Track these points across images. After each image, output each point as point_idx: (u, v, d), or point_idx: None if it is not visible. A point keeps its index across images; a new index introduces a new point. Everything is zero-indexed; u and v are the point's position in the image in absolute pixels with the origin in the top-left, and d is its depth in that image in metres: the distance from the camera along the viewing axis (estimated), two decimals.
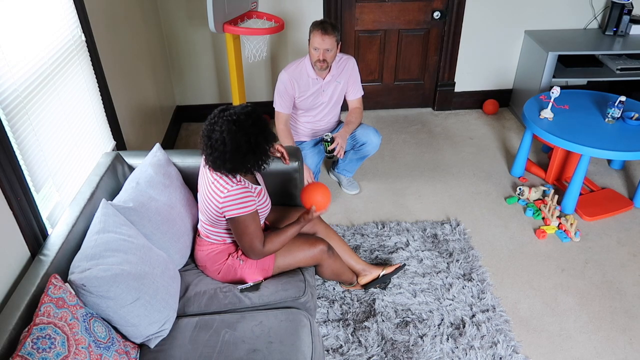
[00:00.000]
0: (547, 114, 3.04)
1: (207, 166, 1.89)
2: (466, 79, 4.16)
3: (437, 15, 3.84)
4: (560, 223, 2.93)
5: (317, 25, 2.67)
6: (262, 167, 1.92)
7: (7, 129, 1.59)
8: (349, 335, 2.28)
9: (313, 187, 2.06)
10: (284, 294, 1.98)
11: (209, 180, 1.93)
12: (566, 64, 3.79)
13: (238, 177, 1.90)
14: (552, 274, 2.64)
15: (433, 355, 2.19)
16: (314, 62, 2.75)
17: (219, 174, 1.89)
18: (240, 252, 2.06)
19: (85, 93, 2.22)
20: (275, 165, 2.31)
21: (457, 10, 3.79)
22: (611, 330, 2.34)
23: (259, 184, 2.04)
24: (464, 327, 2.32)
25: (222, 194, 1.87)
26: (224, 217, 1.93)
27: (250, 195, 1.90)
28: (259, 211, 1.97)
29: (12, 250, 1.59)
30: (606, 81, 4.21)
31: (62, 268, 1.66)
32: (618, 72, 3.68)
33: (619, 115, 3.00)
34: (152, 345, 1.74)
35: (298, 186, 2.39)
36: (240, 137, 1.79)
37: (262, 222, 2.08)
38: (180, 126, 4.06)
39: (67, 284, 1.53)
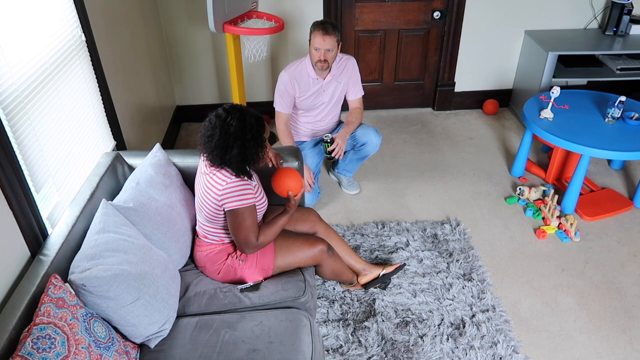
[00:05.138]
0: (547, 114, 3.04)
1: (216, 166, 1.90)
2: (466, 79, 4.16)
3: (437, 15, 3.84)
4: (560, 223, 2.93)
5: (317, 26, 2.67)
6: (260, 160, 1.95)
7: (7, 129, 1.59)
8: (349, 335, 2.28)
9: (280, 174, 2.08)
10: (284, 294, 1.98)
11: (206, 176, 1.94)
12: (566, 64, 3.78)
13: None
14: (552, 274, 2.64)
15: (433, 355, 2.19)
16: (315, 62, 2.75)
17: (215, 168, 1.90)
18: (239, 252, 2.06)
19: (85, 93, 2.22)
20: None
21: (457, 10, 3.79)
22: (611, 330, 2.34)
23: (254, 181, 2.04)
24: (464, 327, 2.32)
25: (221, 186, 1.88)
26: (223, 209, 1.93)
27: (249, 188, 1.91)
28: (257, 206, 1.98)
29: (12, 250, 1.59)
30: (606, 81, 4.21)
31: (62, 268, 1.66)
32: (618, 72, 3.68)
33: (619, 115, 3.00)
34: (152, 345, 1.74)
35: None
36: (255, 129, 1.87)
37: (259, 219, 2.08)
38: (180, 126, 4.06)
39: (67, 284, 1.53)
